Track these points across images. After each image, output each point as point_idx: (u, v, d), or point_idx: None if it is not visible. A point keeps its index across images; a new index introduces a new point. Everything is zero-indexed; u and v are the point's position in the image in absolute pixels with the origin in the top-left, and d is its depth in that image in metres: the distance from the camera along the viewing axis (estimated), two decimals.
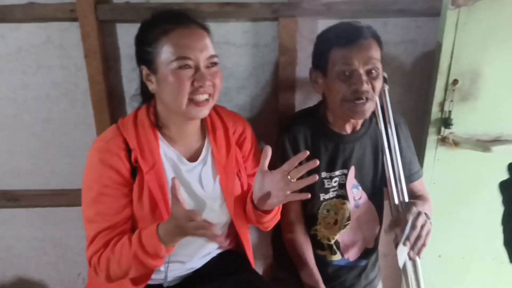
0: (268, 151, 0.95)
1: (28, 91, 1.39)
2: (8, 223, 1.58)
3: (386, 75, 1.28)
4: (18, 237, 1.60)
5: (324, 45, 1.12)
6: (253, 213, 1.04)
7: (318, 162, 0.93)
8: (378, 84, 1.09)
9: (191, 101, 0.96)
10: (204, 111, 0.99)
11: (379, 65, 1.08)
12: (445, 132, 1.32)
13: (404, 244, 1.04)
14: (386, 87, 1.24)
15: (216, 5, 1.30)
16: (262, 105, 1.44)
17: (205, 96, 0.97)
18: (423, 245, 1.04)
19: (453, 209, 1.43)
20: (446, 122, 1.30)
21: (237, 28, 1.36)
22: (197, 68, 0.95)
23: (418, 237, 1.03)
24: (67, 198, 1.49)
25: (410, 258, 1.07)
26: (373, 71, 1.08)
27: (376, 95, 1.11)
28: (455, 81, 1.27)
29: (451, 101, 1.29)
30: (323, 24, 1.28)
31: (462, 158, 1.36)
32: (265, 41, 1.37)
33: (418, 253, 1.05)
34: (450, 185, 1.40)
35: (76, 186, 1.48)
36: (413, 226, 1.03)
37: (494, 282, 1.54)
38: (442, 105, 1.30)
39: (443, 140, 1.33)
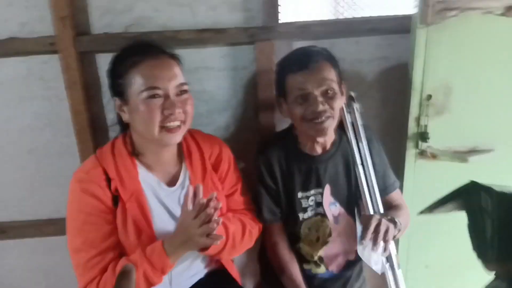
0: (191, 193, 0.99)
1: (11, 123, 1.41)
2: None
3: (354, 94, 1.32)
4: (9, 268, 1.60)
5: (281, 73, 1.18)
6: None
7: (215, 195, 0.97)
8: (336, 103, 1.13)
9: (163, 128, 0.99)
10: (177, 137, 1.03)
11: (334, 85, 1.13)
12: (422, 145, 1.35)
13: (360, 243, 1.08)
14: (356, 105, 1.28)
15: (194, 32, 1.33)
16: (243, 125, 1.47)
17: (177, 123, 1.01)
18: (385, 240, 1.08)
19: (436, 220, 1.45)
20: (422, 136, 1.33)
21: (216, 53, 1.39)
22: (166, 97, 0.99)
23: (364, 230, 1.07)
24: (54, 227, 1.49)
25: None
26: (328, 91, 1.12)
27: (336, 113, 1.15)
28: (429, 96, 1.31)
29: (426, 115, 1.32)
30: (299, 45, 1.31)
31: (441, 169, 1.38)
32: (243, 64, 1.41)
33: (374, 243, 1.08)
34: (431, 196, 1.39)
35: (63, 215, 1.43)
36: (365, 228, 1.08)
37: None
38: (418, 120, 1.34)
39: (421, 154, 1.36)
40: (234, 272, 1.24)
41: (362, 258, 1.10)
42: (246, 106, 1.45)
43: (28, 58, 1.35)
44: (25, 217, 1.51)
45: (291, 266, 1.25)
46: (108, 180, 1.02)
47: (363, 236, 1.07)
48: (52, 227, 1.49)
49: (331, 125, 1.14)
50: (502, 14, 1.25)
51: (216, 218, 0.94)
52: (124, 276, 0.58)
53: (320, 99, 1.11)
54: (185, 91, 1.03)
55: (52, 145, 1.43)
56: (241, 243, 1.14)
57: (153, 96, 0.97)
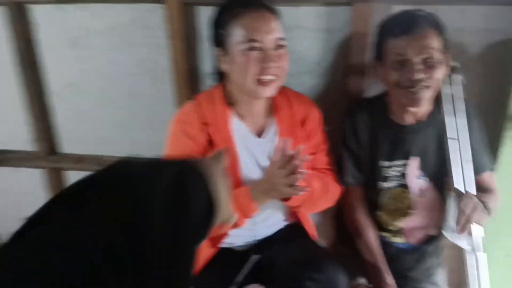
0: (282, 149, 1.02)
1: (115, 66, 1.53)
2: None
3: (458, 65, 1.26)
4: None
5: (381, 36, 1.15)
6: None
7: (302, 147, 0.99)
8: (437, 72, 1.09)
9: (258, 81, 1.04)
10: (270, 91, 1.07)
11: (436, 54, 1.08)
12: None
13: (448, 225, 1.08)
14: (460, 77, 1.23)
15: None
16: (331, 89, 1.48)
17: (271, 77, 1.04)
18: (467, 220, 1.07)
19: None
20: None
21: (310, 13, 1.39)
22: (264, 50, 1.02)
23: (461, 213, 1.06)
24: None
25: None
26: (428, 59, 1.08)
27: (435, 83, 1.11)
28: None
29: None
30: (399, 9, 1.27)
31: None
32: (338, 25, 1.39)
33: (462, 229, 1.08)
34: None
35: (154, 154, 1.62)
36: (462, 211, 1.06)
37: None
38: None
39: None
40: (311, 228, 1.30)
41: (447, 237, 1.10)
42: (337, 70, 1.45)
43: (134, 6, 1.43)
44: (122, 154, 1.65)
45: (368, 231, 1.27)
46: (206, 124, 1.10)
47: (458, 219, 1.06)
48: None
49: (426, 96, 1.11)
50: None
51: (301, 170, 0.98)
52: (215, 157, 0.63)
53: (419, 67, 1.07)
54: (282, 46, 1.06)
55: (150, 90, 1.55)
56: (320, 200, 1.18)
57: (252, 48, 1.01)
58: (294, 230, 1.29)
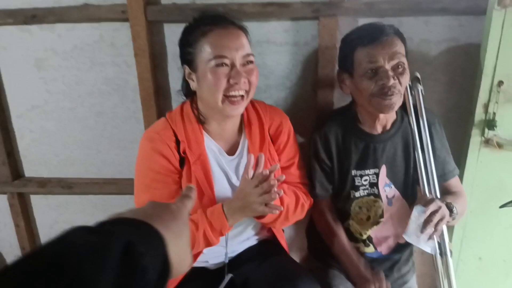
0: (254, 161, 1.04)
1: (82, 86, 1.50)
2: (62, 209, 1.72)
3: (419, 75, 1.27)
4: (71, 222, 1.72)
5: (349, 47, 1.15)
6: None
7: (277, 167, 1.01)
8: (405, 79, 1.11)
9: (226, 97, 1.02)
10: (239, 109, 1.06)
11: (404, 60, 1.11)
12: (488, 133, 1.29)
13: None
14: (420, 87, 1.24)
15: (258, 5, 1.34)
16: (301, 102, 1.47)
17: (241, 92, 1.03)
18: (433, 227, 1.06)
19: (494, 211, 1.40)
20: (490, 123, 1.27)
21: (278, 27, 1.39)
22: (233, 66, 1.02)
23: (428, 221, 1.05)
24: (116, 186, 1.59)
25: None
26: (399, 66, 1.10)
27: (403, 89, 1.13)
28: (501, 83, 1.24)
29: (496, 102, 1.26)
30: (364, 22, 1.28)
31: (505, 160, 1.32)
32: (305, 39, 1.40)
33: (429, 236, 1.07)
34: (492, 187, 1.37)
35: (125, 176, 1.59)
36: (428, 219, 1.06)
37: None
38: (486, 106, 1.27)
39: (486, 142, 1.30)
40: (284, 242, 1.28)
41: (408, 239, 1.09)
42: (305, 83, 1.45)
43: (100, 25, 1.42)
44: (90, 175, 1.63)
45: (339, 233, 1.27)
46: (177, 142, 1.08)
47: (424, 226, 1.06)
48: (114, 186, 1.60)
49: (398, 102, 1.12)
50: None
51: (276, 189, 0.98)
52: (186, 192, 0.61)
53: (390, 73, 1.09)
54: (251, 62, 1.06)
55: (119, 109, 1.52)
56: (293, 215, 1.17)
57: (220, 65, 1.01)
58: (267, 246, 1.26)
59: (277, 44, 1.41)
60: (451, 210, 1.11)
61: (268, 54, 1.42)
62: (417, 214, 1.07)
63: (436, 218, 1.05)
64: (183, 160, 1.08)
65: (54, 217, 1.73)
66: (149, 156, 1.06)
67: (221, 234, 1.04)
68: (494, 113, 1.27)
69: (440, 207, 1.06)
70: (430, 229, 1.05)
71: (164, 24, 1.40)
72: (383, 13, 1.33)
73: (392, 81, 1.08)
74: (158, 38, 1.41)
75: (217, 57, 1.00)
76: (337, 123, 1.25)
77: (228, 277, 1.16)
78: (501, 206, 0.69)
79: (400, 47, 1.10)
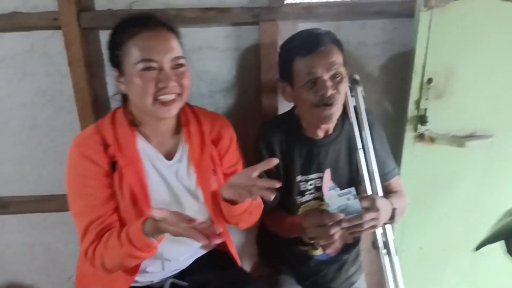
0: (270, 163, 0.95)
1: (13, 98, 1.41)
2: None
3: (358, 77, 1.32)
4: (9, 243, 1.62)
5: (287, 56, 1.16)
6: (221, 204, 1.06)
7: (276, 162, 0.94)
8: (343, 87, 1.14)
9: (157, 101, 0.99)
10: (171, 111, 1.03)
11: (342, 69, 1.13)
12: (421, 129, 1.37)
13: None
14: (359, 89, 1.29)
15: (198, 11, 1.32)
16: (245, 107, 1.48)
17: (171, 97, 1.01)
18: (360, 231, 1.06)
19: (431, 203, 1.49)
20: (422, 119, 1.35)
21: (219, 33, 1.39)
22: (161, 69, 0.99)
23: (359, 224, 1.04)
24: (55, 203, 1.50)
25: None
26: (337, 75, 1.12)
27: (342, 98, 1.15)
28: (430, 80, 1.32)
29: (427, 99, 1.34)
30: (303, 26, 1.31)
31: (438, 153, 1.41)
32: (247, 44, 1.41)
33: (351, 233, 1.07)
34: (428, 180, 1.45)
35: (64, 191, 1.47)
36: (359, 216, 1.04)
37: (472, 273, 1.59)
38: (418, 103, 1.35)
39: (420, 137, 1.38)
40: (234, 251, 1.26)
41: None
42: (249, 88, 1.46)
43: (31, 34, 1.34)
44: (27, 193, 1.52)
45: (283, 213, 1.26)
46: (106, 146, 1.04)
47: (352, 220, 1.04)
48: (53, 203, 1.50)
49: (337, 112, 1.14)
50: None
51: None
52: None
53: (329, 83, 1.10)
54: (181, 65, 1.03)
55: (54, 122, 1.44)
56: (255, 211, 1.14)
57: (148, 69, 0.98)
58: (216, 257, 1.24)
59: (219, 49, 1.41)
60: (392, 217, 1.14)
61: (211, 59, 1.41)
62: (330, 201, 1.05)
63: (367, 225, 1.05)
64: (115, 165, 1.03)
65: None
66: (78, 163, 1.02)
67: (146, 251, 0.94)
68: (425, 109, 1.34)
69: (377, 218, 1.06)
70: (357, 223, 1.04)
71: (99, 31, 1.35)
72: (321, 18, 1.37)
73: (330, 91, 1.10)
74: (93, 46, 1.35)
75: (144, 61, 0.97)
76: (280, 130, 1.26)
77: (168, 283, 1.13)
78: (477, 248, 0.69)
79: (337, 57, 1.12)
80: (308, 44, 1.11)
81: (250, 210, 1.11)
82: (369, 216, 1.04)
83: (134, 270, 1.08)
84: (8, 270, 1.67)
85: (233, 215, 1.07)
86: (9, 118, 1.43)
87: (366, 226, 1.05)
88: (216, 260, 1.23)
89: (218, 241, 0.87)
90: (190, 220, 0.90)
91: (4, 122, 1.43)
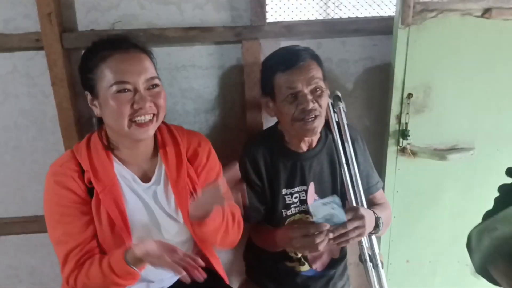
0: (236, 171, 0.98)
1: None
2: None
3: (339, 94, 1.34)
4: None
5: (268, 72, 1.19)
6: (193, 226, 1.06)
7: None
8: (324, 101, 1.17)
9: (133, 122, 0.99)
10: (148, 132, 1.02)
11: (321, 83, 1.16)
12: (403, 143, 1.39)
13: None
14: (341, 105, 1.31)
15: (181, 30, 1.34)
16: (230, 124, 1.49)
17: (148, 117, 1.00)
18: (346, 240, 1.07)
19: (417, 216, 1.50)
20: (403, 133, 1.37)
21: (202, 51, 1.40)
22: (136, 91, 0.99)
23: (345, 233, 1.06)
24: (39, 224, 1.47)
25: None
26: (317, 89, 1.15)
27: (324, 111, 1.17)
28: (410, 95, 1.35)
29: (407, 113, 1.36)
30: (285, 44, 1.33)
31: (421, 166, 1.43)
32: (230, 62, 1.42)
33: (338, 243, 1.08)
34: (412, 193, 1.47)
35: None
36: (344, 225, 1.06)
37: (460, 284, 1.60)
38: (399, 117, 1.38)
39: (402, 151, 1.40)
40: (221, 270, 1.25)
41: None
42: (233, 105, 1.47)
43: (13, 55, 1.34)
44: (10, 214, 1.50)
45: (267, 227, 1.28)
46: (83, 172, 1.03)
47: (338, 229, 1.06)
48: (37, 224, 1.48)
49: (320, 124, 1.16)
50: (481, 16, 1.30)
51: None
52: None
53: (309, 97, 1.13)
54: (156, 85, 1.03)
55: (38, 143, 1.43)
56: (232, 229, 1.13)
57: (123, 91, 0.97)
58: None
59: (203, 67, 1.42)
60: (377, 225, 1.16)
61: (195, 78, 1.43)
62: (314, 210, 1.06)
63: (353, 234, 1.07)
64: (92, 190, 1.03)
65: None
66: (54, 191, 1.01)
67: (129, 279, 0.95)
68: (406, 123, 1.37)
69: (362, 226, 1.08)
70: (343, 237, 1.07)
71: (82, 51, 1.34)
72: (302, 36, 1.40)
73: (311, 105, 1.12)
74: (76, 66, 1.33)
75: (118, 83, 0.97)
76: (264, 144, 1.27)
77: None
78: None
79: (316, 71, 1.15)
80: (288, 59, 1.14)
81: (226, 229, 1.10)
82: (353, 224, 1.06)
83: None
84: None
85: (206, 233, 1.06)
86: None
87: (352, 235, 1.06)
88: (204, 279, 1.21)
89: (199, 277, 0.89)
90: (173, 250, 0.90)
91: None
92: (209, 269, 1.23)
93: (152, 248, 0.91)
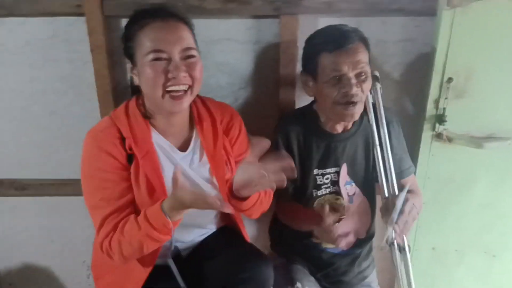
0: (266, 145, 0.97)
1: (35, 84, 1.44)
2: (16, 212, 1.63)
3: (378, 74, 1.31)
4: (26, 225, 1.66)
5: (313, 50, 1.16)
6: (231, 201, 1.07)
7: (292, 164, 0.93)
8: (367, 86, 1.14)
9: (168, 92, 1.00)
10: (182, 105, 1.02)
11: (367, 68, 1.13)
12: (439, 128, 1.36)
13: (394, 228, 1.09)
14: (379, 86, 1.28)
15: (219, 2, 1.33)
16: (263, 100, 1.48)
17: (182, 87, 1.00)
18: (408, 229, 1.10)
19: (446, 203, 1.48)
20: (440, 118, 1.34)
21: (240, 25, 1.39)
22: (171, 60, 0.99)
23: (405, 222, 1.08)
24: (72, 187, 1.53)
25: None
26: (362, 74, 1.12)
27: (365, 97, 1.15)
28: (450, 79, 1.31)
29: (446, 98, 1.32)
30: (324, 21, 1.31)
31: (456, 153, 1.39)
32: (267, 38, 1.41)
33: (404, 231, 1.10)
34: (444, 180, 1.44)
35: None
36: (401, 211, 1.08)
37: (485, 275, 1.58)
38: (437, 102, 1.34)
39: (437, 136, 1.37)
40: (244, 231, 1.29)
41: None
42: (267, 81, 1.46)
43: (54, 19, 1.36)
44: (45, 176, 1.56)
45: (298, 206, 1.28)
46: (123, 139, 1.05)
47: (399, 221, 1.08)
48: (71, 187, 1.53)
49: (359, 111, 1.14)
50: None
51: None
52: None
53: (353, 81, 1.10)
54: (192, 56, 1.02)
55: (74, 108, 1.46)
56: (264, 199, 1.14)
57: (158, 59, 0.98)
58: (226, 233, 1.28)
59: (239, 42, 1.41)
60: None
61: (230, 52, 1.42)
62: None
63: (410, 218, 1.09)
64: (131, 157, 1.05)
65: (7, 221, 1.65)
66: (94, 156, 1.03)
67: (164, 232, 0.97)
68: (444, 108, 1.33)
69: (413, 207, 1.10)
70: (406, 229, 1.09)
71: (122, 19, 1.36)
72: (342, 13, 1.36)
73: (355, 89, 1.10)
74: (115, 34, 1.36)
75: (154, 51, 0.98)
76: (298, 123, 1.26)
77: (171, 263, 1.14)
78: None
79: (364, 55, 1.12)
80: (336, 40, 1.11)
81: (260, 200, 1.12)
82: (407, 207, 1.09)
83: (150, 262, 1.11)
84: (24, 252, 1.72)
85: (244, 209, 1.09)
86: (31, 103, 1.46)
87: (410, 219, 1.10)
88: (227, 237, 1.26)
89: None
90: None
91: (26, 107, 1.46)
92: (233, 228, 1.28)
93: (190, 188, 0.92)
